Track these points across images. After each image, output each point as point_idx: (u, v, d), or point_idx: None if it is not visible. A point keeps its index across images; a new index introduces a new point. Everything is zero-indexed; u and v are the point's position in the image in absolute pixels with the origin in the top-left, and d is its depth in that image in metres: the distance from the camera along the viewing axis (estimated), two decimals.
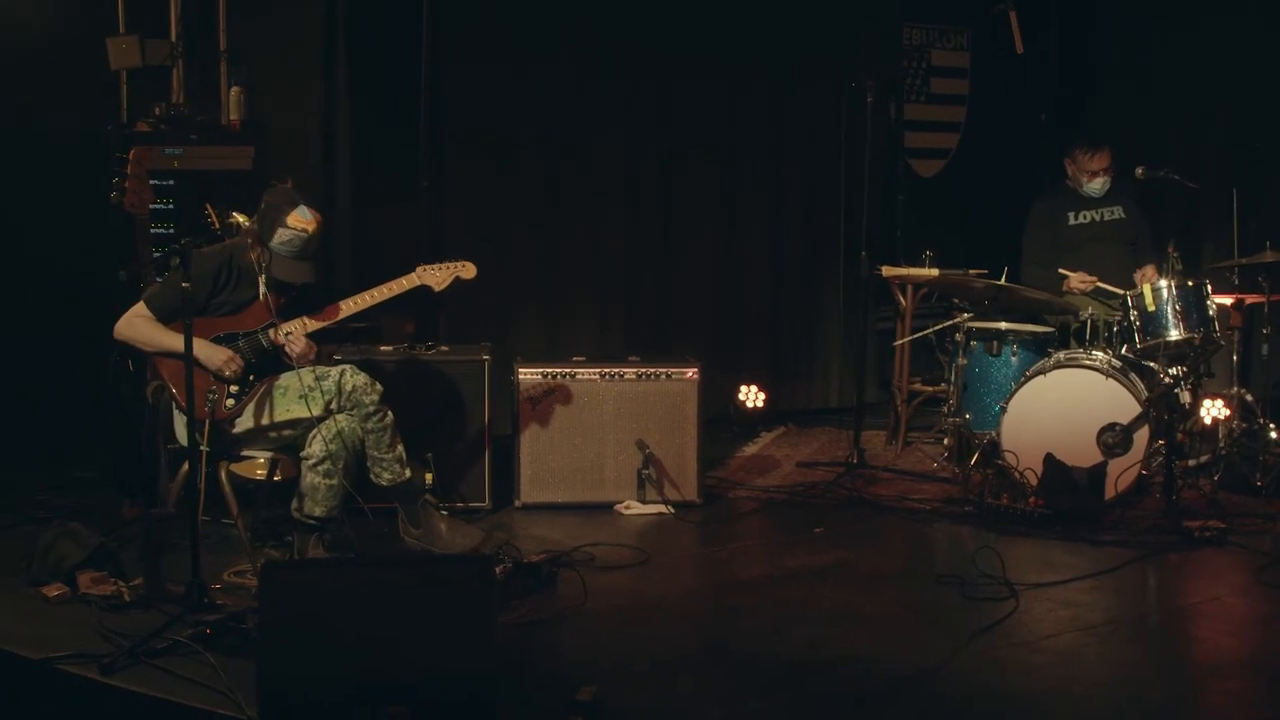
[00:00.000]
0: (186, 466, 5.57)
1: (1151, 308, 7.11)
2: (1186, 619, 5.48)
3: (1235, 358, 7.61)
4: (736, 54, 9.40)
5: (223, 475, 5.81)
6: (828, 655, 4.91)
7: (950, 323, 7.68)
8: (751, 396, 9.14)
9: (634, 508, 7.00)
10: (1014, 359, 7.55)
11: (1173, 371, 7.13)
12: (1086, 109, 10.08)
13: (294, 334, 5.67)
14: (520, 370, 7.04)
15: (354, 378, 5.71)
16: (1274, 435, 7.47)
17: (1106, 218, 8.05)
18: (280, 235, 5.65)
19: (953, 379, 7.68)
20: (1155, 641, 5.20)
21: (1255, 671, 4.86)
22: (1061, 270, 7.77)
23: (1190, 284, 7.11)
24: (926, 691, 4.56)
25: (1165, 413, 6.86)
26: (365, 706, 3.97)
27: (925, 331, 8.19)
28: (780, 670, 4.79)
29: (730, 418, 9.15)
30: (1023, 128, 9.88)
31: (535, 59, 8.80)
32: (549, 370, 7.07)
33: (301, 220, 5.70)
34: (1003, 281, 7.53)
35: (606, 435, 7.09)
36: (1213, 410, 7.56)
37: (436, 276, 6.03)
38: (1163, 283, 7.13)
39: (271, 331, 5.68)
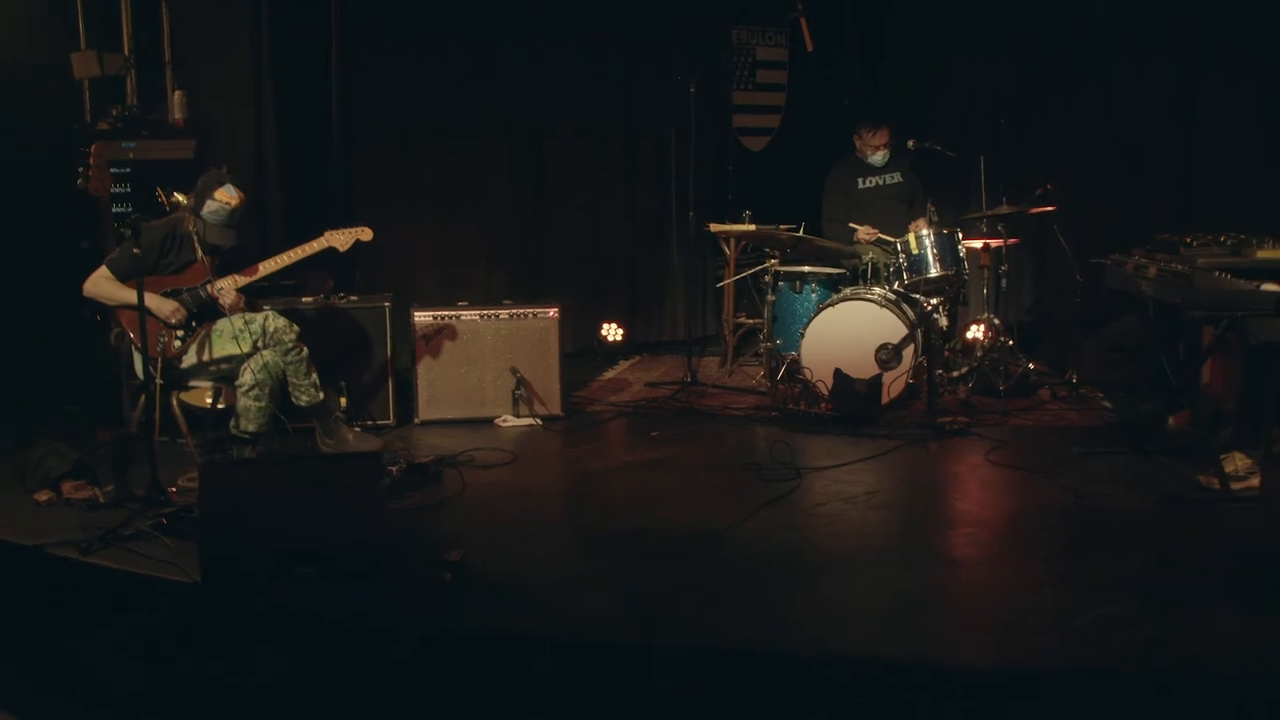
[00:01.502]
0: (144, 397, 5.84)
1: (916, 251, 7.49)
2: (928, 489, 5.81)
3: (985, 290, 7.92)
4: (597, 49, 9.47)
5: (174, 403, 6.03)
6: (648, 524, 5.20)
7: (761, 267, 7.96)
8: (612, 332, 9.38)
9: (509, 421, 7.16)
10: (813, 295, 7.73)
11: (933, 301, 7.44)
12: (878, 94, 10.25)
13: (225, 289, 5.87)
14: (415, 313, 7.18)
15: (275, 321, 5.93)
16: (1015, 351, 7.79)
17: (888, 182, 8.40)
18: (209, 207, 5.85)
19: (765, 312, 7.96)
20: (902, 506, 5.54)
21: (977, 523, 5.21)
22: (852, 224, 8.11)
23: (945, 232, 7.49)
24: (724, 546, 4.86)
25: (926, 333, 7.16)
26: (283, 570, 4.30)
27: (742, 274, 8.41)
28: (611, 538, 5.06)
29: (595, 350, 9.38)
30: (831, 110, 10.03)
31: (429, 57, 8.91)
32: (439, 313, 7.21)
33: (226, 195, 5.89)
34: (800, 234, 7.86)
35: (486, 364, 7.23)
36: (972, 332, 7.99)
37: (340, 239, 6.17)
38: (924, 231, 7.50)
39: (208, 287, 5.88)
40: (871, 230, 7.98)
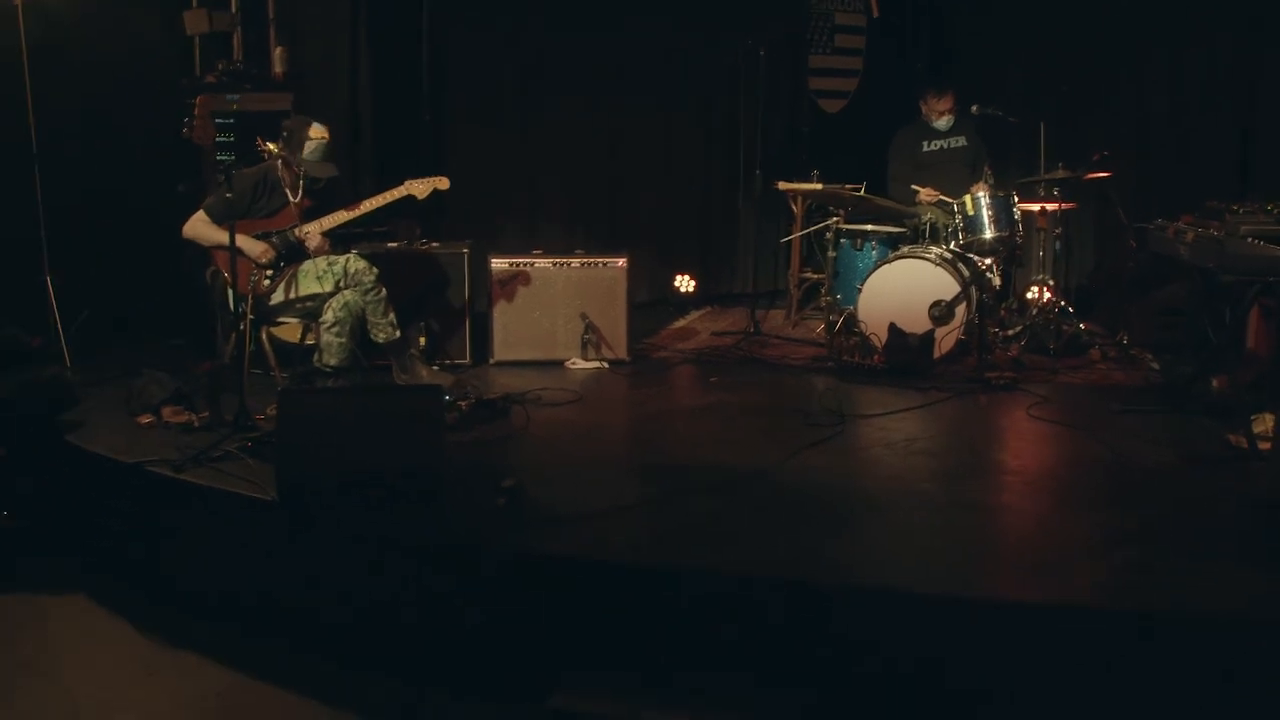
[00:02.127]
0: (236, 332, 6.01)
1: (972, 213, 7.54)
2: (967, 439, 5.86)
3: (1041, 253, 7.93)
4: (674, 16, 9.49)
5: (264, 337, 6.29)
6: (697, 462, 5.31)
7: (824, 224, 8.03)
8: (685, 283, 9.54)
9: (578, 364, 7.32)
10: (873, 252, 7.76)
11: (987, 261, 7.56)
12: (948, 60, 10.16)
13: (311, 232, 6.08)
14: (493, 259, 7.34)
15: (356, 263, 6.13)
16: (1068, 312, 7.77)
17: (952, 145, 8.39)
18: (307, 147, 6.06)
19: (827, 268, 8.04)
20: (940, 453, 5.51)
21: (1010, 471, 5.21)
22: (914, 186, 8.15)
23: (1000, 195, 7.52)
24: (765, 484, 4.95)
25: (979, 292, 7.20)
26: (351, 489, 4.49)
27: (805, 231, 8.52)
28: (661, 473, 5.13)
29: (668, 300, 9.53)
30: (905, 74, 9.99)
31: (514, 23, 9.08)
32: (514, 260, 7.36)
33: (319, 132, 6.10)
34: (863, 193, 7.95)
35: (558, 309, 7.37)
36: (1030, 293, 7.99)
37: (419, 188, 6.31)
38: (981, 194, 7.54)
39: (296, 230, 6.09)
40: (932, 192, 8.00)
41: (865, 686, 3.77)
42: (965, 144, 8.41)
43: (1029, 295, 8.02)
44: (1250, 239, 5.53)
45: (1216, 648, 3.61)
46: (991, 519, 4.63)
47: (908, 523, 4.57)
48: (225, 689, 4.25)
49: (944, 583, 3.99)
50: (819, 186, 8.29)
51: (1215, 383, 6.40)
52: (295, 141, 6.11)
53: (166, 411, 5.73)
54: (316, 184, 6.19)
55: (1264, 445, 5.23)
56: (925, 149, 8.47)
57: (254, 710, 4.15)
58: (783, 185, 8.60)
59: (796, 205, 8.75)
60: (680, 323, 9.01)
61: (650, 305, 9.28)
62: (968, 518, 4.61)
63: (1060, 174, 7.55)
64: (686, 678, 3.69)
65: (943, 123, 8.38)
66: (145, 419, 5.70)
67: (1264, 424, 5.42)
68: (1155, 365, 7.15)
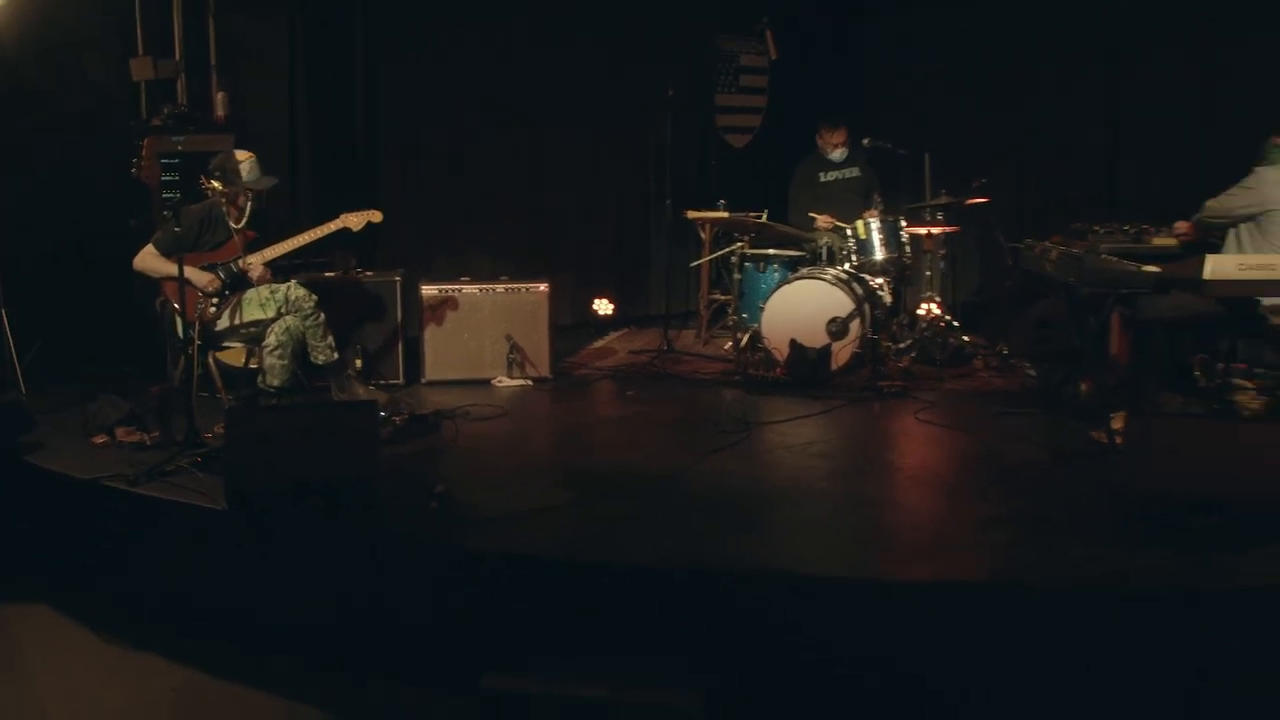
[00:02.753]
0: (184, 357, 6.08)
1: (864, 237, 7.75)
2: (859, 441, 6.11)
3: (929, 273, 8.22)
4: (593, 57, 9.65)
5: (211, 362, 6.38)
6: (615, 468, 5.52)
7: (729, 249, 8.19)
8: (604, 306, 9.67)
9: (504, 382, 7.40)
10: (775, 274, 7.94)
11: (878, 280, 7.78)
12: (845, 98, 10.15)
13: (253, 263, 6.20)
14: (423, 287, 7.43)
15: (296, 290, 6.24)
16: (954, 326, 8.05)
17: (847, 176, 8.61)
18: (243, 171, 6.22)
19: (733, 289, 8.23)
20: (835, 454, 5.73)
21: (897, 469, 5.53)
22: (812, 214, 8.34)
23: (889, 220, 7.74)
24: (677, 484, 5.16)
25: (871, 309, 7.42)
26: (295, 498, 4.58)
27: (713, 256, 8.66)
28: (581, 478, 5.35)
29: (589, 322, 9.65)
30: (806, 111, 9.70)
31: (442, 63, 9.15)
32: (443, 287, 7.46)
33: (243, 155, 6.29)
34: (764, 220, 8.18)
35: (485, 331, 7.46)
36: (918, 309, 8.25)
37: (354, 220, 6.43)
38: (872, 219, 7.74)
39: (239, 262, 6.20)
40: (829, 219, 8.19)
41: (767, 663, 3.98)
42: (859, 174, 8.64)
43: (919, 311, 8.26)
44: (1106, 255, 5.86)
45: (1079, 614, 3.90)
46: (882, 511, 4.87)
47: (805, 516, 4.81)
48: (182, 686, 4.34)
49: (838, 566, 4.23)
50: (725, 214, 8.47)
51: (1083, 386, 6.71)
52: (231, 173, 6.24)
53: (120, 432, 5.79)
54: (263, 200, 6.36)
55: (1120, 441, 5.55)
56: (822, 179, 8.68)
57: (209, 704, 4.26)
58: (691, 214, 8.78)
59: (705, 232, 8.92)
60: (600, 343, 9.13)
61: (572, 327, 9.40)
62: (860, 510, 4.85)
63: (943, 200, 7.85)
64: (607, 660, 3.87)
65: (837, 154, 8.60)
66: (100, 439, 5.76)
67: (1121, 422, 5.75)
68: (1031, 372, 7.40)
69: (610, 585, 4.19)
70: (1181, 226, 6.31)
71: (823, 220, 8.26)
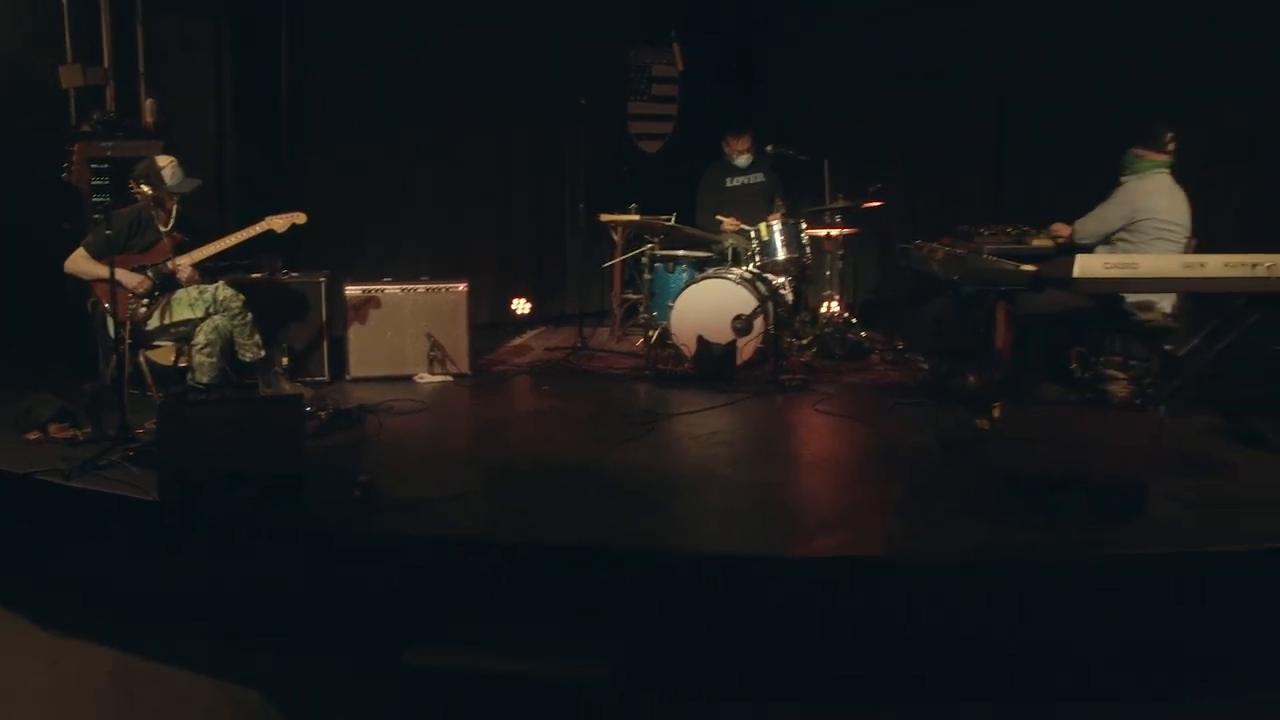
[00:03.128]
0: (115, 355, 6.15)
1: (766, 239, 7.91)
2: (761, 431, 6.29)
3: (829, 273, 8.46)
4: (510, 67, 9.78)
5: (141, 360, 6.40)
6: (530, 457, 5.67)
7: (639, 251, 8.34)
8: (521, 306, 9.78)
9: (425, 378, 7.49)
10: (683, 274, 8.10)
11: (780, 280, 7.99)
12: (752, 107, 10.49)
13: (182, 265, 6.26)
14: (347, 287, 7.52)
15: (224, 291, 6.31)
16: (854, 324, 8.34)
17: (752, 181, 8.84)
18: (166, 175, 6.30)
19: (644, 289, 8.37)
20: (737, 443, 5.88)
21: (796, 456, 5.78)
22: (719, 216, 8.51)
23: (790, 222, 7.91)
24: (588, 472, 5.34)
25: (774, 306, 7.55)
26: (225, 487, 4.69)
27: (624, 257, 8.83)
28: (498, 468, 5.52)
29: (507, 321, 9.76)
30: (713, 119, 10.08)
31: (364, 69, 9.24)
32: (366, 287, 7.54)
33: (165, 160, 6.37)
34: (673, 223, 8.33)
35: (406, 330, 7.54)
36: (821, 307, 8.51)
37: (278, 223, 6.50)
38: (774, 222, 7.91)
39: (169, 263, 6.26)
40: (734, 221, 8.36)
41: (668, 634, 4.16)
42: (763, 180, 8.85)
43: (821, 309, 8.50)
44: (987, 255, 6.12)
45: (957, 581, 4.16)
46: (779, 494, 5.08)
47: (707, 500, 4.98)
48: (115, 669, 4.40)
49: (735, 544, 4.44)
50: (636, 218, 8.62)
51: (972, 378, 6.97)
52: (155, 178, 6.31)
53: (53, 429, 5.81)
54: (187, 202, 6.44)
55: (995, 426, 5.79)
56: (729, 184, 8.88)
57: (143, 686, 4.31)
58: (604, 217, 8.90)
59: (617, 234, 9.07)
60: (518, 340, 9.24)
61: (491, 326, 9.49)
62: (758, 493, 5.05)
63: (841, 204, 8.07)
64: (520, 635, 4.01)
65: (742, 160, 8.81)
66: (33, 436, 5.77)
67: (1000, 410, 6.00)
68: (925, 366, 7.65)
69: (523, 564, 4.34)
70: (1058, 228, 6.56)
71: (729, 223, 8.43)
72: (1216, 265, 5.38)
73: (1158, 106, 7.13)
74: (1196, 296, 6.25)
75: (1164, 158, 6.17)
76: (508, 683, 3.73)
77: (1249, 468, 5.37)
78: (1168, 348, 6.00)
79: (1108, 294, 5.78)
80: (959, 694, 4.09)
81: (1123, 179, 6.24)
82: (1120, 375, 6.48)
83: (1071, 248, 6.38)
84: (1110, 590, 4.13)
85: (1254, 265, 5.34)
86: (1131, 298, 6.01)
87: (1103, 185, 6.40)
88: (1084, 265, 5.41)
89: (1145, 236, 6.10)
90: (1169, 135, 6.15)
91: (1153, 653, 4.10)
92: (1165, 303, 6.11)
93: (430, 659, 3.83)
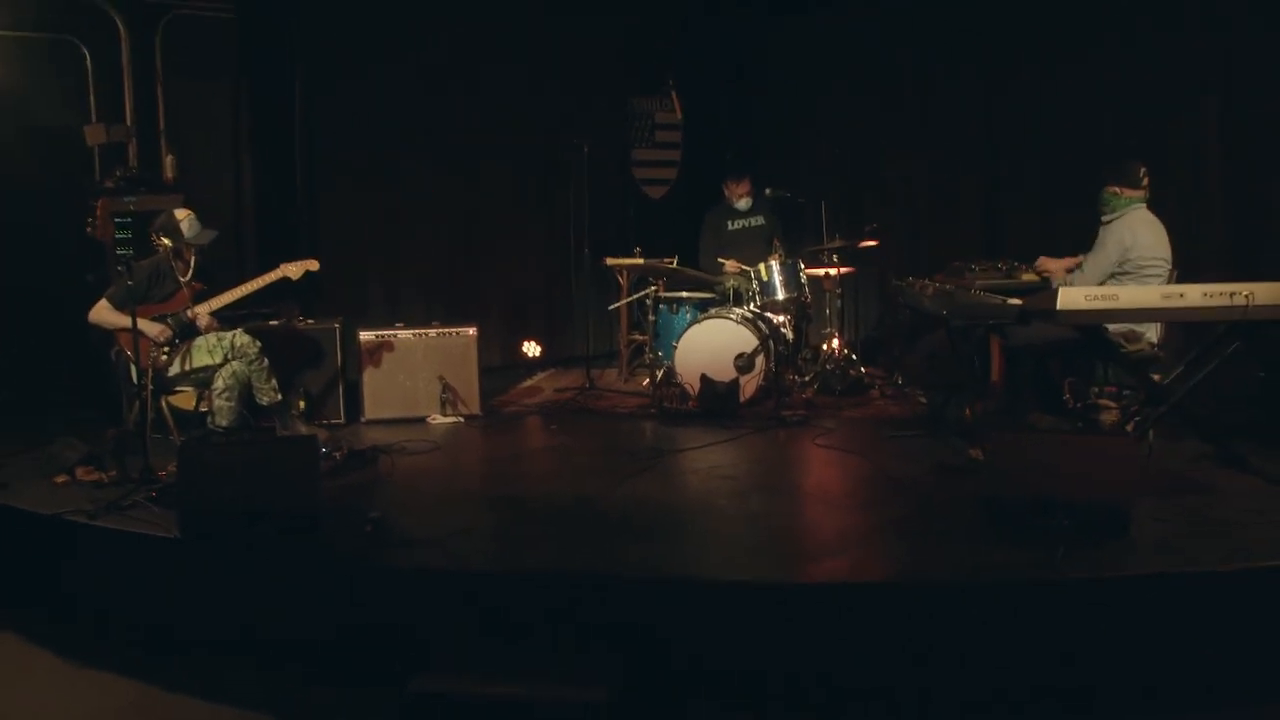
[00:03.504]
0: (138, 401, 6.29)
1: (766, 279, 8.08)
2: (762, 465, 6.38)
3: (828, 310, 8.64)
4: (519, 117, 9.91)
5: (164, 405, 6.61)
6: (537, 493, 5.80)
7: (644, 293, 8.46)
8: (531, 349, 9.89)
9: (438, 419, 7.63)
10: (686, 315, 8.24)
11: (780, 318, 8.13)
12: (751, 151, 10.65)
13: (200, 313, 6.49)
14: (361, 332, 7.68)
15: (241, 338, 6.51)
16: (854, 360, 8.43)
17: (752, 224, 8.99)
18: (184, 228, 6.53)
19: (649, 330, 8.48)
20: (739, 477, 5.97)
21: (796, 488, 5.88)
22: (720, 259, 8.69)
23: (788, 262, 8.08)
24: (593, 506, 5.44)
25: (775, 344, 7.73)
26: (243, 525, 4.83)
27: (629, 299, 8.97)
28: (507, 502, 5.64)
29: (518, 363, 9.88)
30: (715, 163, 10.34)
31: (379, 126, 9.40)
32: (380, 332, 7.71)
33: (183, 213, 6.60)
34: (675, 265, 8.50)
35: (419, 373, 7.69)
36: (823, 344, 8.63)
37: (293, 270, 6.72)
38: (773, 262, 8.08)
39: (188, 311, 6.47)
40: (735, 263, 8.52)
41: (665, 659, 4.27)
42: (763, 222, 9.01)
43: (823, 347, 8.63)
44: (975, 290, 6.25)
45: (955, 603, 4.28)
46: (776, 523, 5.20)
47: (706, 530, 5.11)
48: (138, 699, 4.51)
49: (733, 571, 4.54)
50: (640, 261, 8.76)
51: (968, 410, 7.07)
52: (174, 231, 6.52)
53: (79, 472, 5.93)
54: (205, 253, 6.64)
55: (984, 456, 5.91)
56: (730, 228, 9.04)
57: (164, 715, 4.42)
58: (610, 261, 9.05)
59: (623, 277, 9.23)
60: (528, 382, 9.38)
61: (503, 368, 9.64)
62: (756, 523, 5.18)
63: (837, 244, 8.23)
64: (523, 661, 4.13)
65: (742, 203, 8.96)
66: (61, 479, 5.89)
67: (993, 439, 6.10)
68: (923, 399, 7.78)
69: (525, 593, 4.48)
70: (1043, 263, 6.68)
71: (730, 265, 8.58)
72: (1195, 295, 5.50)
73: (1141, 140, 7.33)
74: (1182, 325, 6.37)
75: (1140, 193, 6.29)
76: (511, 708, 3.86)
77: (1233, 491, 5.46)
78: (1155, 376, 6.09)
79: (1091, 325, 5.87)
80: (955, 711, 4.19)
81: (1105, 219, 6.35)
82: (1111, 404, 6.61)
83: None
84: (1097, 607, 4.23)
85: (1232, 295, 5.45)
86: (1117, 328, 6.12)
87: (1092, 220, 6.53)
88: (1066, 298, 5.53)
89: (1136, 273, 6.20)
90: (1142, 170, 6.28)
91: (1136, 668, 4.20)
92: (1151, 332, 6.23)
93: (435, 685, 3.96)
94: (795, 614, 4.31)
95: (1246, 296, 5.43)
